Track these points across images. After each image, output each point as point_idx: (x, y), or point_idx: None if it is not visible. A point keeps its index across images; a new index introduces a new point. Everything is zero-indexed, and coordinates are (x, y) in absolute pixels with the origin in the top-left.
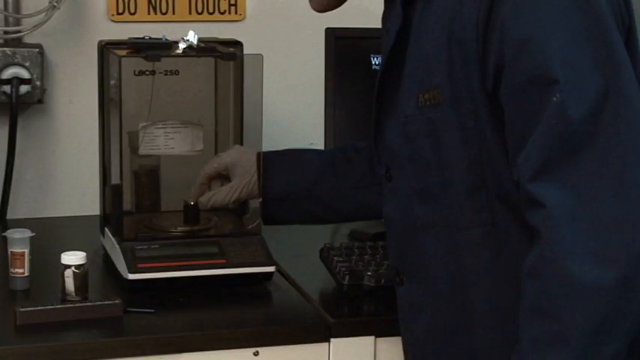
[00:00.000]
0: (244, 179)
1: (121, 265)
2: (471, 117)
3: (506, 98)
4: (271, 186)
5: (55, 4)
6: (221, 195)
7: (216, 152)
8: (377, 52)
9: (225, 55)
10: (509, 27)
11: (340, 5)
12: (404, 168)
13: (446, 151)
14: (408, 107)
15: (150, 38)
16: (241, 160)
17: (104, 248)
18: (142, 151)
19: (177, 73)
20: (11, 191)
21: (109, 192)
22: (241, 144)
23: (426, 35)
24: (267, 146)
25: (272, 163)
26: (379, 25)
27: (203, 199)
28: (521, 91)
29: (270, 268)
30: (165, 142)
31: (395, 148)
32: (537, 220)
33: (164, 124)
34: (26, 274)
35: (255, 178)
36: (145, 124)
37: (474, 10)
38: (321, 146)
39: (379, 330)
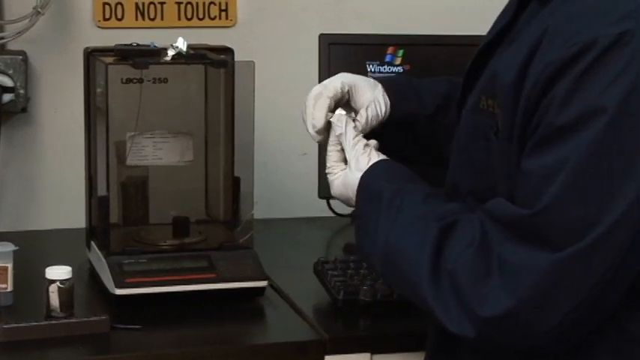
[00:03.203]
0: (379, 96)
1: (107, 280)
2: (505, 140)
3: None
4: (399, 109)
5: (39, 9)
6: (371, 111)
7: (206, 163)
8: (372, 59)
9: (216, 62)
10: (554, 112)
11: None
12: (453, 150)
13: (474, 158)
14: (470, 102)
15: (137, 45)
16: (360, 78)
17: (90, 262)
18: (130, 161)
19: (165, 81)
20: None
21: (96, 204)
22: (232, 154)
23: (511, 48)
24: (259, 156)
25: (396, 86)
26: (374, 32)
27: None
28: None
29: (262, 283)
30: (154, 152)
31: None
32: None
33: (152, 134)
34: (9, 290)
35: (385, 95)
36: (132, 133)
37: (542, 65)
38: (314, 155)
39: (375, 346)
